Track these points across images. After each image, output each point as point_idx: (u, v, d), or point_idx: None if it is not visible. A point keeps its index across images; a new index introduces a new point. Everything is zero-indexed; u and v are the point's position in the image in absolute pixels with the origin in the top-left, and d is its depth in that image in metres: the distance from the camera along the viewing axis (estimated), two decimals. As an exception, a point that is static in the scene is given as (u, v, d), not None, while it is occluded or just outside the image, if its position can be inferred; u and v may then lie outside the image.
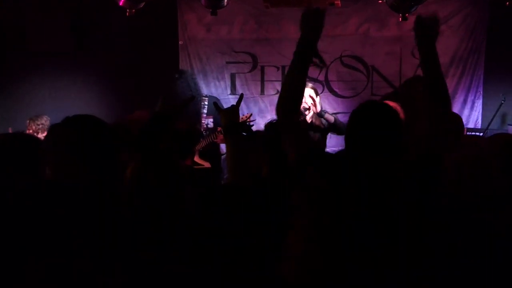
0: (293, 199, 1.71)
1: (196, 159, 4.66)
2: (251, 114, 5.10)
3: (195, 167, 4.64)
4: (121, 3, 4.46)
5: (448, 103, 2.39)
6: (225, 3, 4.37)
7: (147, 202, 2.03)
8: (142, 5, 4.51)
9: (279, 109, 2.35)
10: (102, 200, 1.79)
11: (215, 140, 4.72)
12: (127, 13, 4.53)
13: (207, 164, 4.50)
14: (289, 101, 2.34)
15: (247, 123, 4.76)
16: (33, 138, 2.44)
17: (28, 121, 5.36)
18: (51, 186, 1.76)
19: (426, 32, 2.31)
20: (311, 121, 4.41)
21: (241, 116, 4.80)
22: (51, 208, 1.67)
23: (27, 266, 1.61)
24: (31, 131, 5.25)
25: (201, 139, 4.79)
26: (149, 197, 2.06)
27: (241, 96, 2.69)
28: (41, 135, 5.22)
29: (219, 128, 4.76)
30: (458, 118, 3.44)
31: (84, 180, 1.78)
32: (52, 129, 1.98)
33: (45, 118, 5.37)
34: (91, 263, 1.66)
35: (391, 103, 3.64)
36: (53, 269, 1.62)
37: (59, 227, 1.65)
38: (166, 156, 2.89)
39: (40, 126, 5.34)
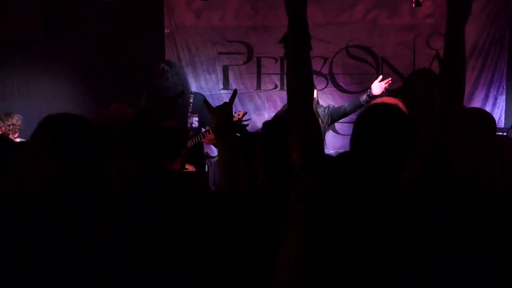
0: (289, 206, 1.65)
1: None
2: (245, 112, 4.89)
3: (185, 171, 4.29)
4: None
5: (462, 96, 2.23)
6: None
7: (133, 201, 2.03)
8: None
9: (292, 95, 2.15)
10: (91, 199, 1.79)
11: (203, 141, 4.56)
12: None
13: (191, 168, 4.16)
14: (300, 86, 2.14)
15: (241, 122, 4.71)
16: (5, 140, 2.51)
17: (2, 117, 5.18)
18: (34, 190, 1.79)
19: (459, 9, 2.12)
20: None
21: (234, 114, 4.66)
22: (37, 211, 1.71)
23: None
24: (0, 132, 5.09)
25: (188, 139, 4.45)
26: (134, 196, 2.08)
27: (235, 92, 2.57)
28: (12, 136, 5.07)
29: (207, 127, 4.56)
30: (482, 115, 3.19)
31: (73, 180, 1.78)
32: (40, 129, 1.89)
33: (16, 118, 5.15)
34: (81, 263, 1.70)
35: (392, 100, 3.83)
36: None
37: (47, 228, 1.68)
38: (151, 159, 2.82)
39: (11, 126, 5.12)
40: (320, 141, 2.27)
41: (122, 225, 1.84)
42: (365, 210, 1.72)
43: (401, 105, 3.68)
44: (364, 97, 4.57)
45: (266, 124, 2.78)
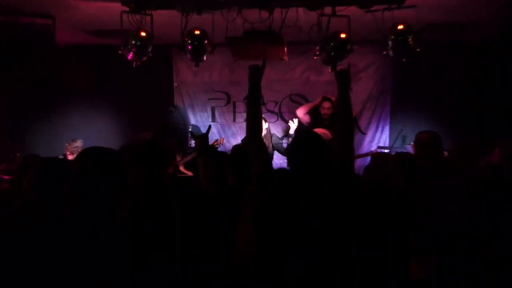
0: (242, 203, 1.66)
1: (182, 169, 5.40)
2: (223, 138, 6.02)
3: (180, 175, 5.27)
4: (129, 58, 4.59)
5: (352, 128, 2.74)
6: (204, 58, 4.62)
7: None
8: (145, 58, 4.64)
9: (249, 126, 2.63)
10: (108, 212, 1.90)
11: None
12: (134, 65, 4.69)
13: (190, 173, 5.28)
14: (252, 130, 2.62)
15: (214, 146, 5.62)
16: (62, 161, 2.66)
17: (66, 145, 5.75)
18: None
19: (344, 80, 2.74)
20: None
21: (216, 139, 6.03)
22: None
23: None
24: (68, 152, 5.68)
25: (187, 155, 5.63)
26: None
27: (209, 127, 3.10)
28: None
29: None
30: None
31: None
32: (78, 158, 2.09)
33: (79, 142, 5.74)
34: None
35: (321, 130, 4.31)
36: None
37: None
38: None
39: (75, 148, 5.65)
40: (266, 160, 2.64)
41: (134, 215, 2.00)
42: (298, 203, 1.80)
43: (328, 134, 4.34)
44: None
45: (234, 147, 3.22)
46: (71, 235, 1.72)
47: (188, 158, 5.60)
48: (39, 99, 6.79)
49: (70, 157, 5.77)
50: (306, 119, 6.28)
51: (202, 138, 2.92)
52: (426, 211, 2.06)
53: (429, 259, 1.60)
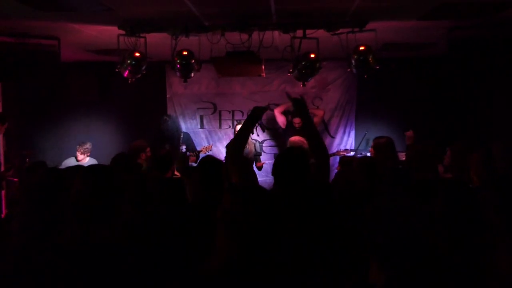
0: (218, 214, 1.55)
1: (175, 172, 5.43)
2: (211, 145, 6.04)
3: (174, 177, 5.03)
4: (125, 75, 4.51)
5: (323, 148, 2.72)
6: (192, 75, 4.58)
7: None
8: (139, 75, 4.56)
9: (230, 149, 2.75)
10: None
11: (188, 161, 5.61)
12: (129, 81, 4.60)
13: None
14: (237, 146, 2.71)
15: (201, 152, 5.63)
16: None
17: (77, 146, 5.91)
18: None
19: (301, 108, 2.87)
20: (246, 147, 4.85)
21: (203, 146, 6.03)
22: None
23: None
24: (79, 152, 5.88)
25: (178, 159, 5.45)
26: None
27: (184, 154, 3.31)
28: (86, 155, 5.90)
29: (190, 153, 5.66)
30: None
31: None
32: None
33: (88, 144, 5.97)
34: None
35: (299, 138, 4.35)
36: None
37: None
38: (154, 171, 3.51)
39: (85, 149, 5.89)
40: (244, 173, 2.67)
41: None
42: (271, 215, 1.61)
43: (305, 142, 4.15)
44: None
45: (200, 161, 2.89)
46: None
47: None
48: (47, 110, 6.75)
49: (80, 157, 5.90)
50: (282, 119, 6.26)
51: (181, 159, 2.95)
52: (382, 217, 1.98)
53: (386, 265, 1.47)
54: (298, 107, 2.79)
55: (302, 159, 2.40)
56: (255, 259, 1.48)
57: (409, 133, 4.91)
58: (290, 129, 5.90)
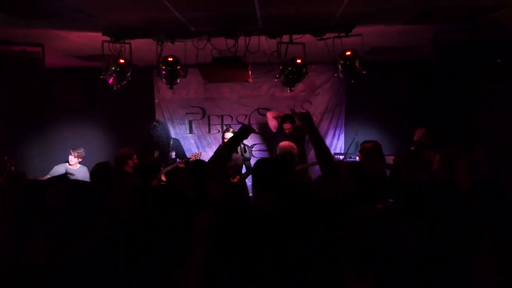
0: (195, 231, 1.52)
1: (163, 177, 5.28)
2: (200, 152, 5.96)
3: (162, 183, 4.94)
4: (110, 82, 4.46)
5: (331, 165, 2.61)
6: (178, 81, 4.56)
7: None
8: (125, 82, 4.51)
9: (210, 164, 2.66)
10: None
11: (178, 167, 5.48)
12: (114, 88, 4.54)
13: None
14: (218, 162, 2.68)
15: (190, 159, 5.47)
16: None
17: (71, 151, 5.89)
18: None
19: (308, 123, 2.70)
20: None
21: (192, 153, 5.92)
22: None
23: None
24: (73, 156, 5.88)
25: (168, 165, 5.54)
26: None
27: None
28: (78, 160, 5.89)
29: (179, 160, 5.60)
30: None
31: None
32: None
33: (82, 149, 5.95)
34: None
35: (288, 143, 4.42)
36: None
37: None
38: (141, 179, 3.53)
39: (79, 154, 5.89)
40: (224, 187, 2.60)
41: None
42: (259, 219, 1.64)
43: (295, 147, 4.38)
44: None
45: (187, 164, 3.57)
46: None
47: (169, 168, 5.51)
48: (32, 117, 6.64)
49: (73, 161, 5.89)
50: (274, 123, 6.22)
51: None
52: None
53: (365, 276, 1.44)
54: (305, 123, 2.68)
55: (277, 169, 2.38)
56: (233, 275, 1.45)
57: (422, 130, 4.95)
58: (281, 134, 5.86)
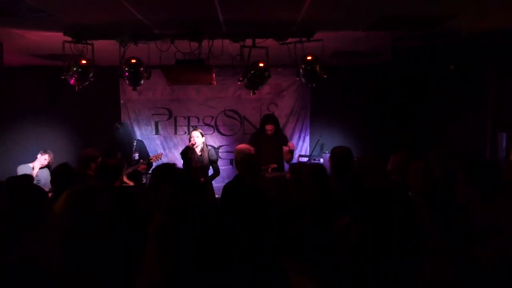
0: (149, 229, 1.55)
1: (125, 179, 5.23)
2: (161, 154, 5.86)
3: (124, 185, 4.93)
4: (71, 82, 4.40)
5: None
6: (142, 82, 4.53)
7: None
8: (87, 83, 4.45)
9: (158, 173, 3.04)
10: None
11: (138, 169, 5.49)
12: (76, 89, 4.46)
13: (131, 183, 5.26)
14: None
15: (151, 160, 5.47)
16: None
17: (42, 152, 5.73)
18: None
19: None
20: (201, 154, 5.35)
21: (154, 154, 5.76)
22: None
23: None
24: (41, 155, 5.74)
25: (130, 167, 5.46)
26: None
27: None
28: (46, 163, 5.76)
29: (141, 161, 5.54)
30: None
31: None
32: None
33: (52, 155, 5.81)
34: None
35: (245, 146, 4.63)
36: None
37: None
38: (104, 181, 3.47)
39: (51, 157, 5.81)
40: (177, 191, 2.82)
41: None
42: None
43: (251, 149, 4.57)
44: None
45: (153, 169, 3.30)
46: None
47: (131, 169, 5.47)
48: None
49: (42, 162, 5.74)
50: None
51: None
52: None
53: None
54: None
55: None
56: (186, 275, 1.50)
57: (397, 156, 4.02)
58: (263, 135, 5.83)
